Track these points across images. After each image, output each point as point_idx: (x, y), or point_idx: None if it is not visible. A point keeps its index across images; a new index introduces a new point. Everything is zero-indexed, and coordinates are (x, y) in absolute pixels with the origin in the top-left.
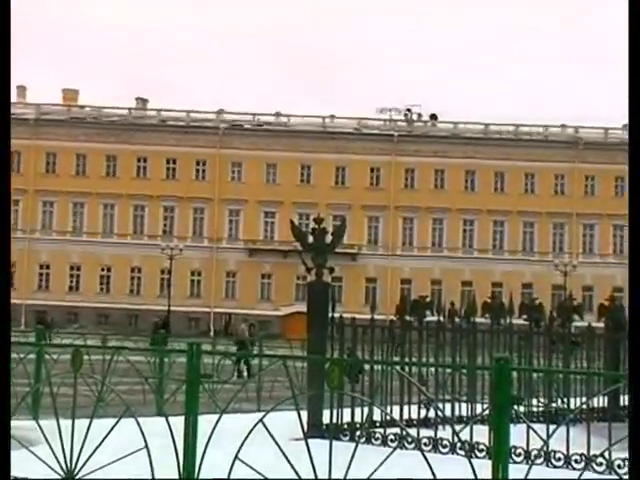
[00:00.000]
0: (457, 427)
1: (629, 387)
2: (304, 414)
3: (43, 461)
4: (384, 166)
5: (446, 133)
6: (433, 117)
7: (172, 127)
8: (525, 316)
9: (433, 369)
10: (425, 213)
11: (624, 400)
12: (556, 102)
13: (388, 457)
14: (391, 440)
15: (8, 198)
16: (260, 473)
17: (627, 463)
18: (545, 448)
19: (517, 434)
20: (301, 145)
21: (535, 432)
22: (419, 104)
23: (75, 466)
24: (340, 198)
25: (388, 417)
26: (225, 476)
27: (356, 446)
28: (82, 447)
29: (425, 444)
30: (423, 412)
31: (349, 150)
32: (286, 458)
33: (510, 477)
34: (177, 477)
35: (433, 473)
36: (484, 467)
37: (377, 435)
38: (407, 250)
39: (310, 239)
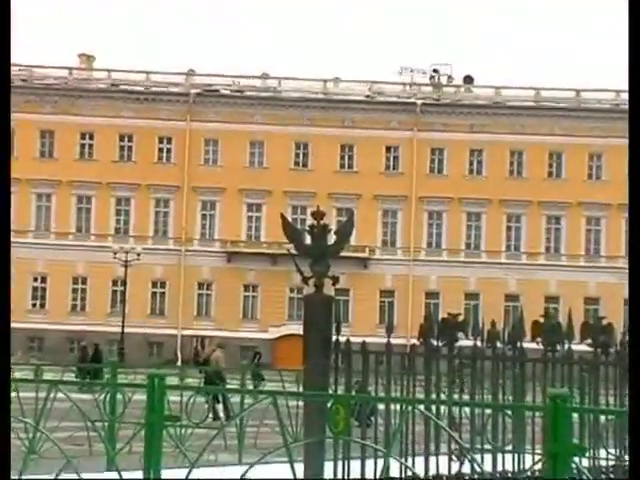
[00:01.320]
0: None
1: (629, 386)
2: (299, 468)
3: None
4: (404, 144)
5: (485, 101)
6: (468, 80)
7: (127, 93)
8: (589, 340)
9: (468, 409)
10: (457, 206)
11: None
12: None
13: None
14: None
15: (8, 198)
16: None
17: None
18: None
19: None
20: (296, 117)
21: None
22: (449, 63)
23: None
24: (346, 186)
25: (409, 472)
26: None
27: None
28: None
29: None
30: (455, 466)
31: (358, 123)
32: None
33: None
34: None
35: None
36: None
37: None
38: (434, 254)
39: (307, 239)
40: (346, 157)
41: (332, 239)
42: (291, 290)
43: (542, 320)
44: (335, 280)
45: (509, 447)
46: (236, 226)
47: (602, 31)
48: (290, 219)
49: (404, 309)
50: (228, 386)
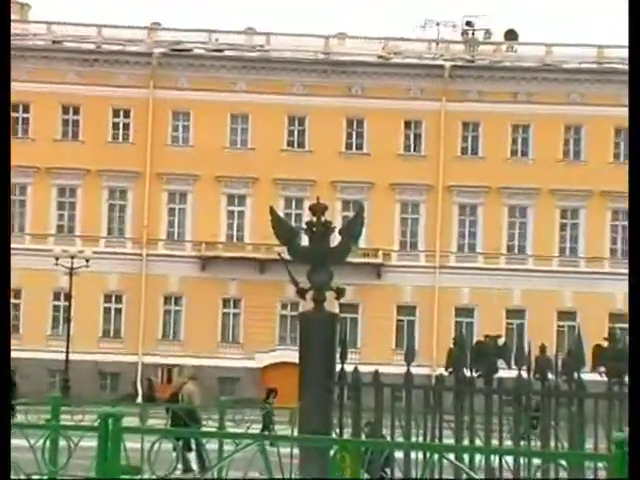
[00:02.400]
0: None
1: (629, 387)
2: None
3: None
4: (428, 118)
5: (532, 63)
6: (511, 36)
7: (72, 52)
8: None
9: (511, 459)
10: (497, 197)
11: None
12: None
13: None
14: None
15: (8, 197)
16: None
17: None
18: None
19: None
20: (289, 83)
21: None
22: (485, 14)
23: None
24: (354, 172)
25: None
26: None
27: None
28: None
29: None
30: None
31: (369, 92)
32: None
33: None
34: None
35: None
36: None
37: None
38: (466, 259)
39: (304, 241)
40: (354, 135)
41: (336, 240)
42: (283, 306)
43: (606, 344)
44: (340, 293)
45: None
46: (213, 224)
47: None
48: (282, 214)
49: (428, 330)
50: (203, 429)
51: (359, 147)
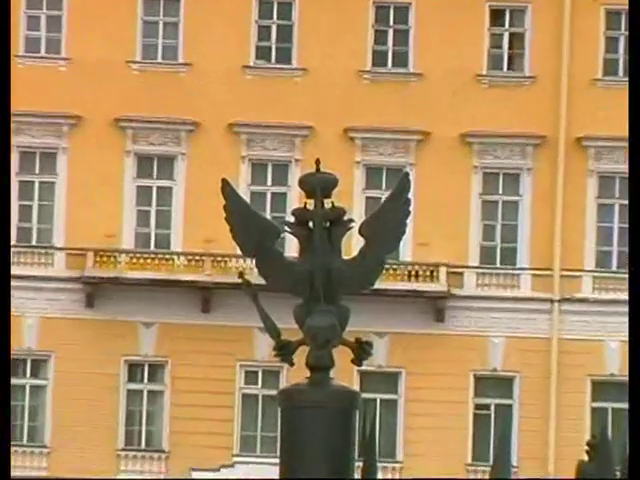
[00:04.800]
0: None
1: (629, 387)
2: None
3: None
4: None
5: None
6: None
7: None
8: None
9: None
10: None
11: None
12: None
13: None
14: None
15: (8, 197)
16: None
17: None
18: None
19: None
20: None
21: None
22: None
23: None
24: (385, 108)
25: None
26: None
27: None
28: None
29: None
30: None
31: None
32: None
33: None
34: None
35: None
36: None
37: None
38: (612, 283)
39: (289, 246)
40: (389, 36)
41: (354, 247)
42: (248, 376)
43: None
44: (362, 351)
45: None
46: (108, 214)
47: None
48: (247, 195)
49: (537, 421)
50: None
51: (398, 61)
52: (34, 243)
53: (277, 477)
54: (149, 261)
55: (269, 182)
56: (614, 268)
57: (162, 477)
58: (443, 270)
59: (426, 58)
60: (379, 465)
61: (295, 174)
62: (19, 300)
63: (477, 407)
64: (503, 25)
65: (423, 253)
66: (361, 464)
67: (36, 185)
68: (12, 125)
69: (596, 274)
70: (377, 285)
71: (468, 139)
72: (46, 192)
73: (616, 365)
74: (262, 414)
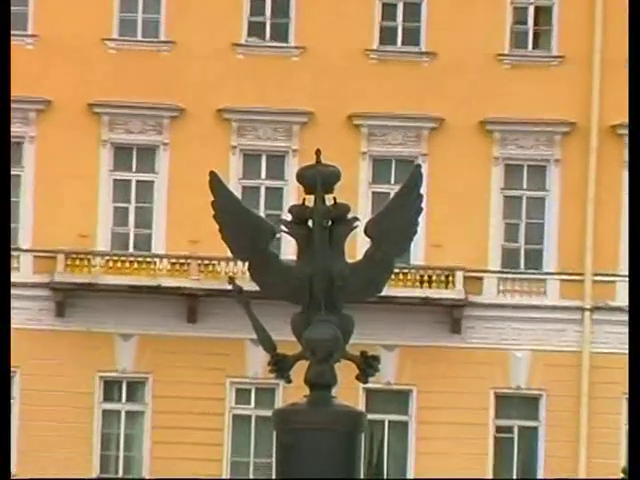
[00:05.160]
0: None
1: (629, 386)
2: None
3: None
4: None
5: None
6: None
7: None
8: None
9: None
10: None
11: None
12: None
13: None
14: None
15: (8, 195)
16: None
17: None
18: None
19: None
20: None
21: None
22: None
23: None
24: (392, 92)
25: None
26: None
27: None
28: None
29: None
30: None
31: None
32: None
33: None
34: None
35: None
36: None
37: None
38: None
39: (285, 247)
40: (397, 12)
41: (359, 250)
42: (239, 394)
43: None
44: (369, 367)
45: None
46: (82, 212)
47: None
48: (238, 191)
49: (567, 445)
50: None
51: (408, 38)
52: None
53: None
54: (127, 265)
55: (263, 175)
56: None
57: None
58: (460, 275)
59: (440, 35)
60: None
61: (292, 166)
62: None
63: (498, 430)
64: None
65: (437, 256)
66: None
67: None
68: None
69: None
70: (385, 292)
71: (488, 127)
72: (11, 187)
73: None
74: (255, 437)
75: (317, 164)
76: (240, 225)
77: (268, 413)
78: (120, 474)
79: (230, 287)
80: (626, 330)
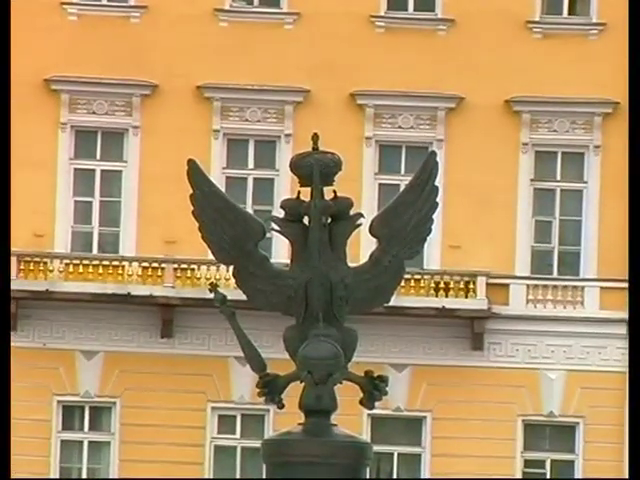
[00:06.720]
0: None
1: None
2: None
3: None
4: None
5: None
6: None
7: None
8: None
9: None
10: None
11: None
12: None
13: None
14: None
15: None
16: None
17: None
18: None
19: None
20: None
21: None
22: None
23: None
24: (404, 67)
25: None
26: None
27: None
28: None
29: None
30: None
31: None
32: None
33: None
34: None
35: None
36: None
37: None
38: None
39: (276, 248)
40: None
41: (364, 251)
42: (221, 422)
43: None
44: (374, 389)
45: None
46: (34, 207)
47: None
48: (220, 182)
49: (613, 476)
50: None
51: (421, 3)
52: None
53: None
54: (91, 269)
55: (250, 164)
56: None
57: None
58: (482, 281)
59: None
60: None
61: (285, 153)
62: None
63: (527, 464)
64: None
65: (455, 259)
66: None
67: None
68: None
69: None
70: (394, 301)
71: (515, 107)
72: None
73: None
74: (241, 472)
75: (314, 151)
76: (224, 223)
77: (256, 444)
78: None
79: (212, 295)
80: None
